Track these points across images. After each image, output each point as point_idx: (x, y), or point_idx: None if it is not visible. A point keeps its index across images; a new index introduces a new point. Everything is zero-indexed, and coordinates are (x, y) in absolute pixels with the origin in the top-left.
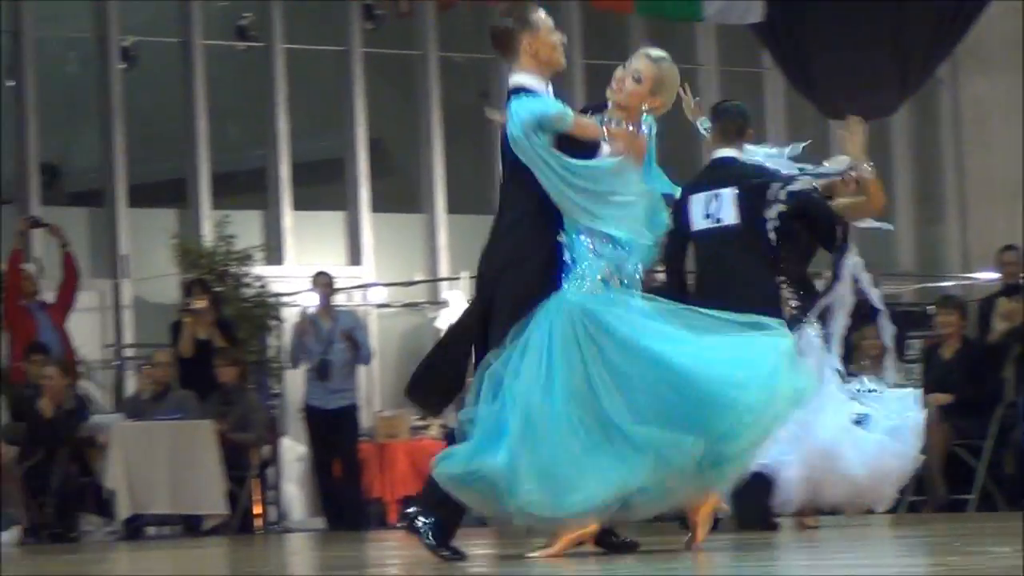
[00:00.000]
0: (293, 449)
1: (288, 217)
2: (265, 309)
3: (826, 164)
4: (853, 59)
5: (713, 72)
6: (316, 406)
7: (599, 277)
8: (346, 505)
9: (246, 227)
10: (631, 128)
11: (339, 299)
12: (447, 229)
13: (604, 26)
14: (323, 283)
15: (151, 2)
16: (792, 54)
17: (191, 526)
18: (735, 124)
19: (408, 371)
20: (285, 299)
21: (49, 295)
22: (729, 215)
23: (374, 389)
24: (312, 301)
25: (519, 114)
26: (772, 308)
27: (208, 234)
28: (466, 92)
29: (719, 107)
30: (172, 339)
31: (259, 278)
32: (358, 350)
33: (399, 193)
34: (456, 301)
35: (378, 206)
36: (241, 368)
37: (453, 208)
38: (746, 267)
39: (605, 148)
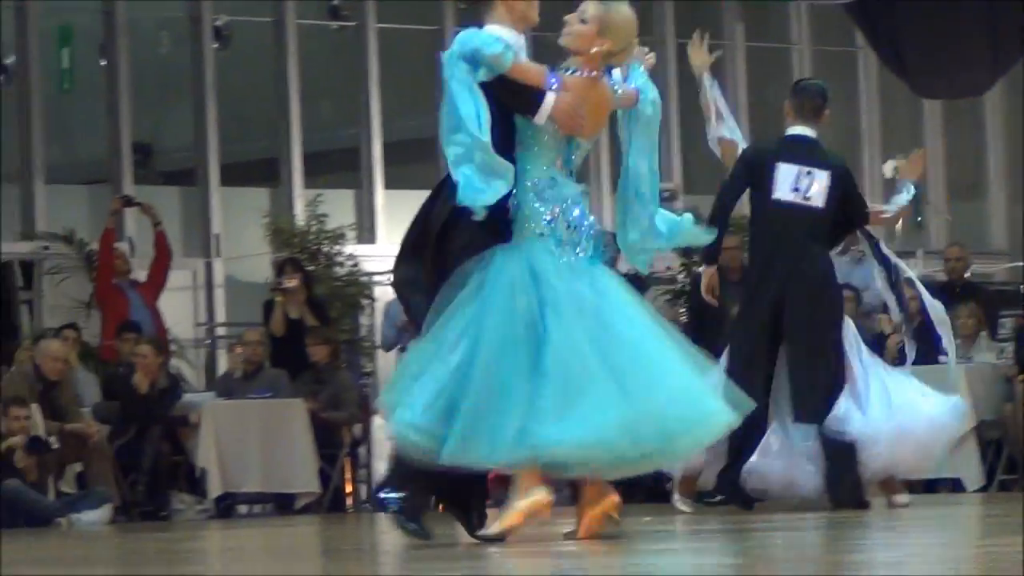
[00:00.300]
0: (384, 428)
1: (380, 196)
2: (357, 288)
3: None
4: (945, 38)
5: (806, 52)
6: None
7: (544, 220)
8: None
9: (338, 206)
10: (591, 74)
11: None
12: None
13: (698, 6)
14: None
15: None
16: (884, 34)
17: (282, 504)
18: (813, 103)
19: None
20: (377, 278)
21: (141, 274)
22: (819, 198)
23: None
24: None
25: (459, 41)
26: (834, 290)
27: (300, 213)
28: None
29: (800, 84)
30: (264, 318)
31: (351, 257)
32: None
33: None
34: None
35: None
36: (333, 347)
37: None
38: (815, 251)
39: (548, 98)
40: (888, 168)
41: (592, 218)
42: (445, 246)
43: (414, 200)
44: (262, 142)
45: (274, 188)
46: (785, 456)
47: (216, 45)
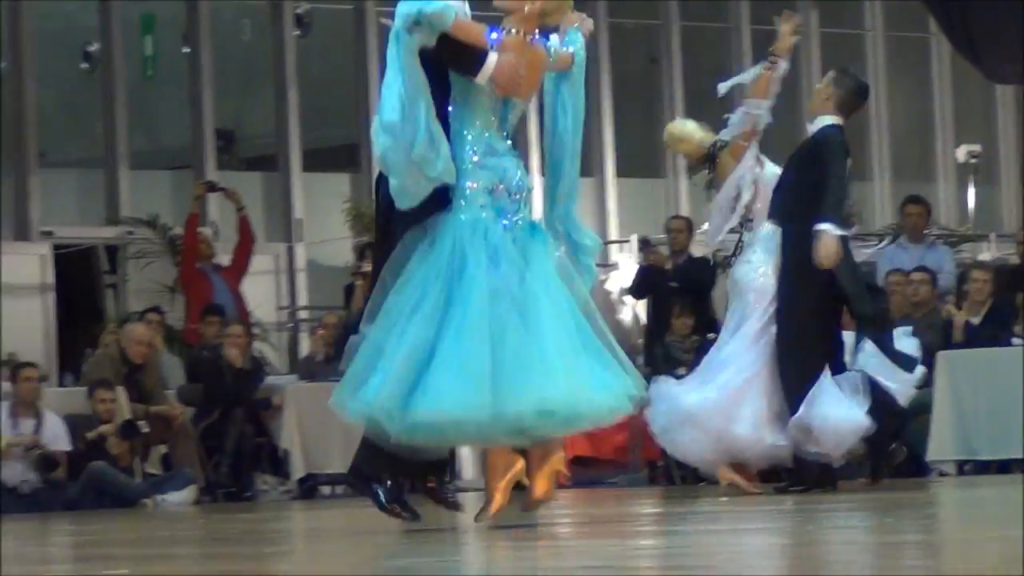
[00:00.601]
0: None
1: None
2: None
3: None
4: (1017, 24)
5: (880, 38)
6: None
7: (484, 189)
8: None
9: None
10: (527, 37)
11: None
12: (616, 193)
13: None
14: None
15: None
16: (956, 20)
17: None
18: (858, 104)
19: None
20: None
21: (225, 258)
22: None
23: None
24: None
25: (401, 9)
26: None
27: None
28: (635, 58)
29: (859, 81)
30: (345, 301)
31: None
32: None
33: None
34: (626, 264)
35: (544, 170)
36: None
37: (623, 172)
38: None
39: (491, 58)
40: (961, 153)
41: (527, 179)
42: (391, 229)
43: None
44: (343, 128)
45: (355, 173)
46: None
47: (297, 32)
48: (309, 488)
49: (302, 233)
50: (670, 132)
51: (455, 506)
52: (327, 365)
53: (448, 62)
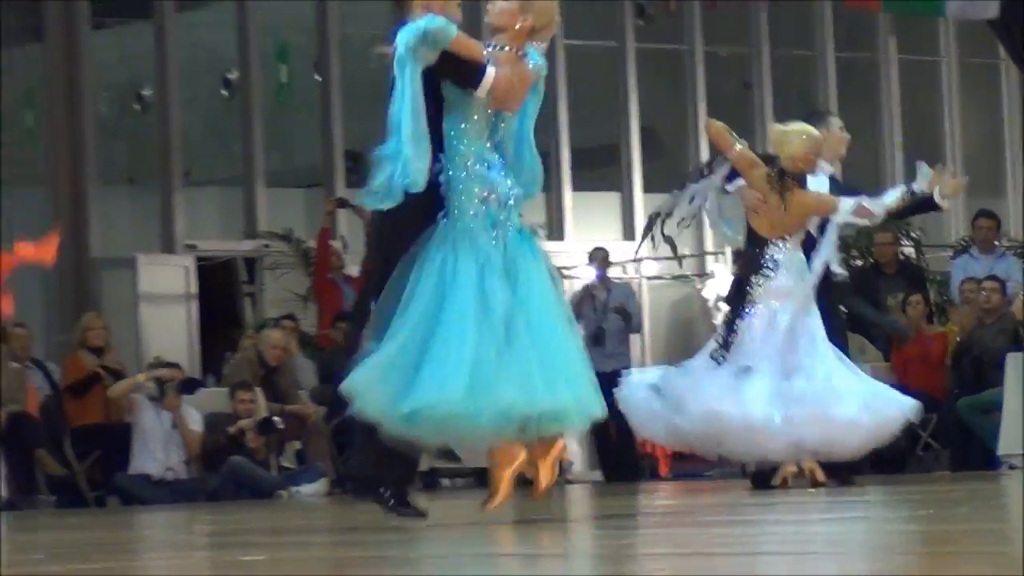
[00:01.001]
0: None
1: (568, 197)
2: None
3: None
4: None
5: (954, 63)
6: (594, 370)
7: (476, 199)
8: (621, 459)
9: (531, 206)
10: (515, 51)
11: (614, 272)
12: None
13: (854, 22)
14: (600, 257)
15: None
16: (1022, 47)
17: (480, 478)
18: None
19: (677, 338)
20: (565, 272)
21: (354, 269)
22: None
23: (646, 354)
24: (589, 274)
25: (406, 33)
26: None
27: None
28: (728, 83)
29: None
30: None
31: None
32: (629, 319)
33: (669, 175)
34: (721, 273)
35: (649, 187)
36: None
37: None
38: None
39: (490, 71)
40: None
41: (515, 186)
42: (384, 238)
43: (599, 200)
44: None
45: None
46: None
47: None
48: (431, 480)
49: None
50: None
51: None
52: None
53: (448, 76)
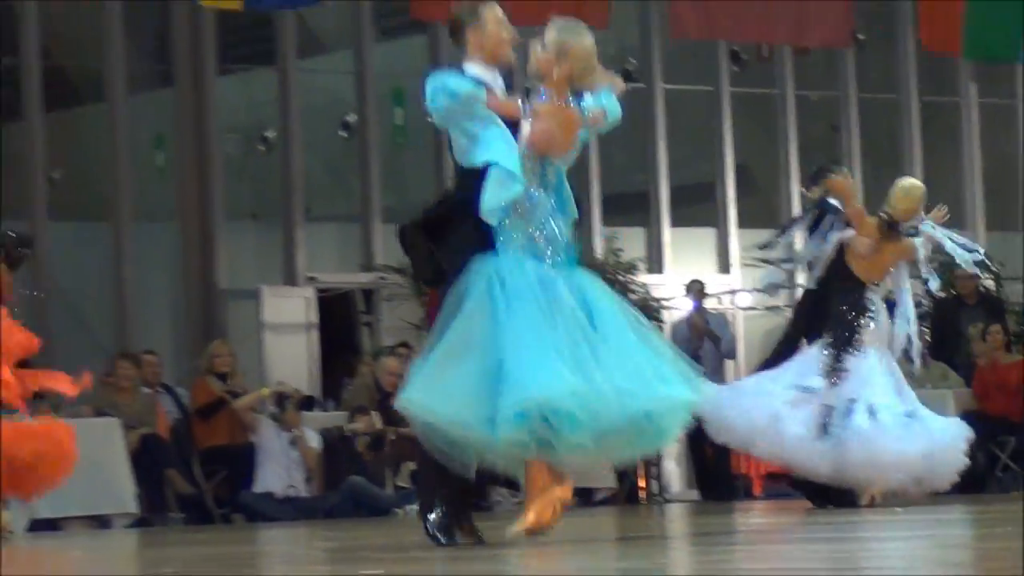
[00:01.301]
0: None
1: (667, 233)
2: (647, 311)
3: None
4: None
5: None
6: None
7: (523, 238)
8: (717, 479)
9: (631, 241)
10: (559, 101)
11: (710, 303)
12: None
13: (936, 67)
14: (696, 289)
15: None
16: None
17: (584, 497)
18: None
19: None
20: (664, 303)
21: None
22: None
23: (740, 379)
24: (687, 305)
25: (436, 93)
26: None
27: (599, 247)
28: (817, 125)
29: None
30: None
31: (642, 285)
32: (724, 347)
33: (762, 212)
34: None
35: (743, 223)
36: None
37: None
38: None
39: (525, 127)
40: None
41: (566, 231)
42: (443, 238)
43: (695, 236)
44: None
45: (576, 226)
46: None
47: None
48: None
49: None
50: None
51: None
52: None
53: None
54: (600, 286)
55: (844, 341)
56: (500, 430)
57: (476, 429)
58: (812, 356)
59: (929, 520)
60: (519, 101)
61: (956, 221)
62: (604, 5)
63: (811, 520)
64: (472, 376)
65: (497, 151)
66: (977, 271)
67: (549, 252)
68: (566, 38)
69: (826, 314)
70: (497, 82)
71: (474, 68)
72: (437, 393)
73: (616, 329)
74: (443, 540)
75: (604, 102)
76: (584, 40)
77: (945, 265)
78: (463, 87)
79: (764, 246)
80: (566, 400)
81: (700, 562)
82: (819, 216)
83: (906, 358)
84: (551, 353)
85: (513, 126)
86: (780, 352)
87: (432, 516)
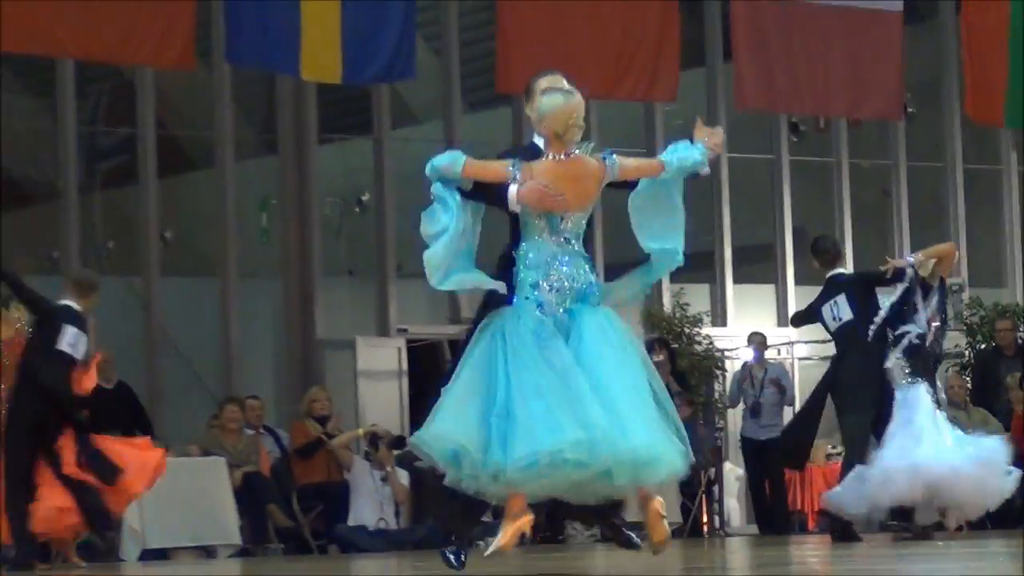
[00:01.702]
0: (733, 471)
1: (730, 289)
2: (712, 361)
3: None
4: None
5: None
6: (750, 437)
7: (529, 284)
8: (775, 515)
9: (697, 297)
10: (558, 156)
11: (770, 354)
12: None
13: (980, 136)
14: (758, 341)
15: (625, 117)
16: None
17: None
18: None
19: (826, 411)
20: (727, 353)
21: None
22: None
23: None
24: (748, 355)
25: (430, 168)
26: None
27: (667, 302)
28: (870, 191)
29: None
30: None
31: (707, 337)
32: (784, 394)
33: (818, 271)
34: None
35: (800, 280)
36: (693, 407)
37: None
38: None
39: (512, 190)
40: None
41: (582, 277)
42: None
43: (757, 292)
44: (636, 246)
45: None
46: None
47: None
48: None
49: None
50: None
51: (629, 544)
52: None
53: (489, 200)
54: (609, 330)
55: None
56: (508, 475)
57: (475, 452)
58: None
59: (967, 552)
60: (509, 165)
61: (996, 279)
62: (673, 79)
63: (857, 552)
64: (476, 413)
65: (440, 237)
66: None
67: (556, 301)
68: (543, 99)
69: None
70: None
71: (537, 138)
72: (443, 422)
73: (608, 379)
74: (455, 564)
75: (677, 152)
76: (549, 102)
77: (986, 319)
78: (440, 160)
79: None
80: (571, 450)
81: None
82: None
83: None
84: (552, 406)
85: (500, 192)
86: None
87: (451, 554)
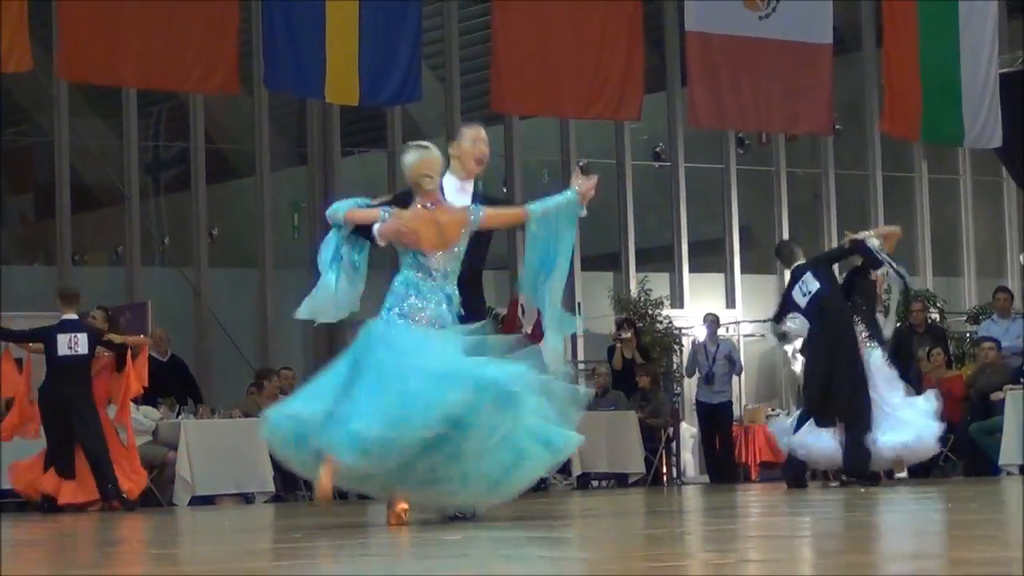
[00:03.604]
0: (688, 429)
1: (686, 277)
2: (671, 338)
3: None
4: None
5: (969, 181)
6: (704, 401)
7: (386, 307)
8: (724, 466)
9: (658, 283)
10: (425, 204)
11: (721, 332)
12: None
13: (896, 149)
14: (710, 320)
15: (598, 134)
16: (1019, 170)
17: (620, 480)
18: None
19: (764, 379)
20: (684, 331)
21: (528, 329)
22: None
23: (743, 391)
24: (702, 333)
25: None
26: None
27: (633, 288)
28: (803, 195)
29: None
30: (608, 358)
31: (667, 317)
32: (733, 365)
33: (759, 262)
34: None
35: (745, 269)
36: (654, 376)
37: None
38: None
39: (375, 227)
40: (1023, 258)
41: (431, 308)
42: None
43: (709, 280)
44: (609, 241)
45: (616, 272)
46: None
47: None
48: (584, 481)
49: (581, 311)
50: None
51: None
52: (597, 399)
53: (366, 236)
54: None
55: None
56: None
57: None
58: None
59: (882, 498)
60: (383, 212)
61: (910, 269)
62: (638, 101)
63: (793, 497)
64: (323, 390)
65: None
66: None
67: (407, 322)
68: (403, 156)
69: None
70: (465, 188)
71: (450, 178)
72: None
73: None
74: None
75: (547, 202)
76: (406, 159)
77: (901, 304)
78: (329, 210)
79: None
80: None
81: (709, 529)
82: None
83: None
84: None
85: (369, 231)
86: None
87: None
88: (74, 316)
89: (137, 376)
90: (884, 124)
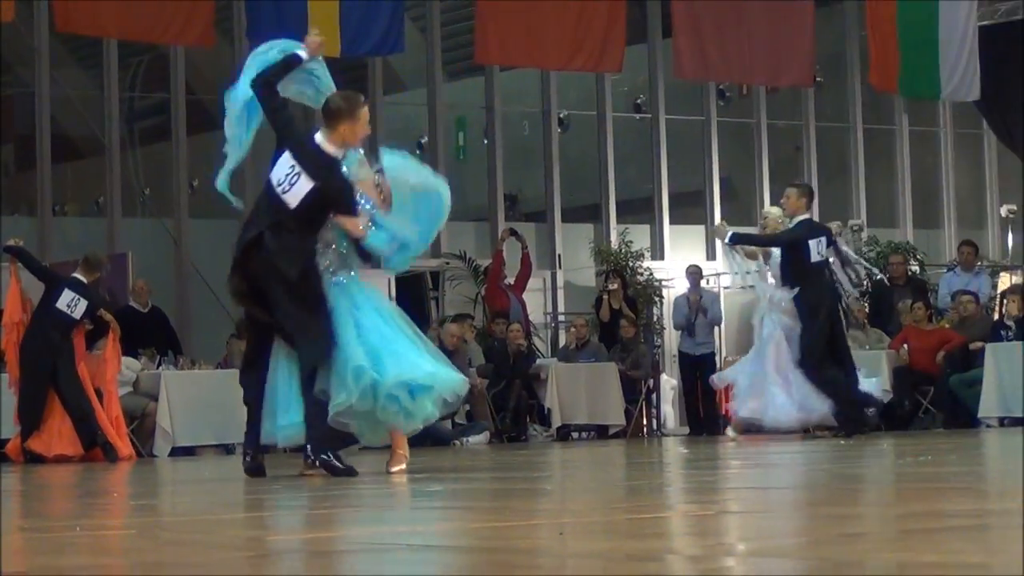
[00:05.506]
0: (669, 381)
1: (667, 229)
2: (652, 290)
3: None
4: None
5: (949, 133)
6: (687, 353)
7: (327, 263)
8: (706, 418)
9: (639, 235)
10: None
11: (702, 284)
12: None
13: (877, 102)
14: (692, 272)
15: (579, 86)
16: (999, 122)
17: (600, 432)
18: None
19: (745, 330)
20: (666, 283)
21: (511, 279)
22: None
23: (723, 342)
24: (684, 285)
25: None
26: None
27: (614, 240)
28: (784, 147)
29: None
30: (595, 310)
31: (648, 269)
32: (714, 317)
33: (740, 213)
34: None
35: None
36: (636, 328)
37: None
38: None
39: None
40: (1003, 210)
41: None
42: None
43: (689, 231)
44: (589, 194)
45: (596, 224)
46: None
47: (559, 130)
48: (564, 433)
49: (561, 263)
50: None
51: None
52: (577, 351)
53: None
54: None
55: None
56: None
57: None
58: None
59: (864, 449)
60: (364, 201)
61: (890, 221)
62: (619, 53)
63: (773, 449)
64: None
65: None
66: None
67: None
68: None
69: None
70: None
71: (327, 144)
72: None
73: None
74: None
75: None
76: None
77: (881, 254)
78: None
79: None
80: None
81: (688, 479)
82: None
83: None
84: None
85: None
86: None
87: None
88: (85, 280)
89: (116, 360)
90: (869, 77)
